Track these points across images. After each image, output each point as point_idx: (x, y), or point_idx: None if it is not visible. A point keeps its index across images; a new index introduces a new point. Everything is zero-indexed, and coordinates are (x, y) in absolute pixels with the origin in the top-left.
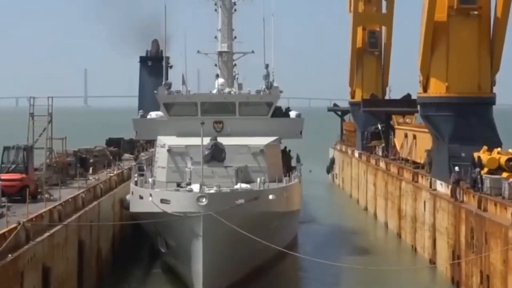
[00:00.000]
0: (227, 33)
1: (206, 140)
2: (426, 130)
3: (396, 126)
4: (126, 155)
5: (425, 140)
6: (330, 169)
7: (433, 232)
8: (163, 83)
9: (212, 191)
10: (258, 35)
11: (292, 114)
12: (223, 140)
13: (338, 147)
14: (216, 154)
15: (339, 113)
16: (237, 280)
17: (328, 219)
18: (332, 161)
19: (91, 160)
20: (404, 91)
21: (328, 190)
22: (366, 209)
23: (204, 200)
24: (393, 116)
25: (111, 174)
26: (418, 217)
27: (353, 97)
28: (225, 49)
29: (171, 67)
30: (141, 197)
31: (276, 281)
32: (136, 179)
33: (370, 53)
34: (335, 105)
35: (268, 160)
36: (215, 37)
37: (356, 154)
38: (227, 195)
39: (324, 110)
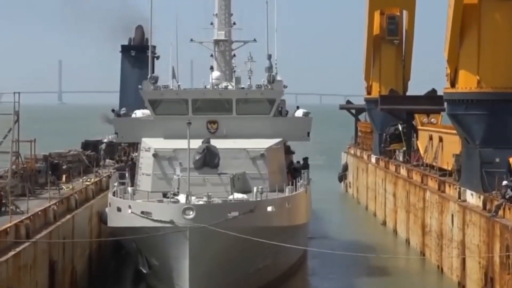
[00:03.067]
0: (225, 18)
1: (198, 143)
2: (454, 131)
3: (419, 127)
4: (106, 160)
5: (453, 143)
6: (342, 177)
7: (462, 250)
8: (148, 76)
9: (201, 202)
10: (260, 21)
11: (299, 112)
12: (218, 143)
13: (352, 151)
14: (208, 159)
15: (353, 111)
16: None
17: (340, 235)
18: (345, 168)
19: (64, 167)
20: (429, 86)
21: (340, 202)
22: (384, 223)
23: (191, 212)
24: (416, 115)
25: (88, 183)
26: (445, 233)
27: (369, 93)
28: (222, 37)
29: (157, 57)
30: (119, 209)
31: None
32: (114, 188)
33: (389, 41)
34: (348, 102)
35: (270, 166)
36: (211, 23)
37: (373, 160)
38: (218, 206)
39: (337, 108)
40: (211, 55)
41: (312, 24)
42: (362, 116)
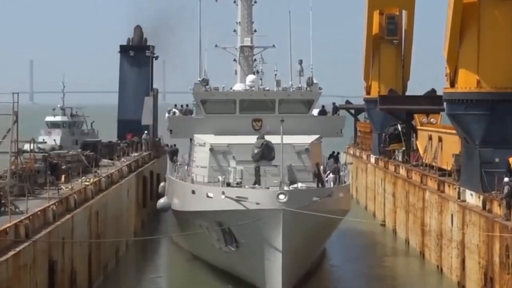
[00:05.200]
0: (247, 26)
1: (245, 139)
2: (454, 131)
3: (418, 127)
4: (104, 161)
5: (453, 143)
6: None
7: (461, 250)
8: (150, 77)
9: (289, 189)
10: (277, 28)
11: (315, 113)
12: (268, 139)
13: (351, 152)
14: (266, 153)
15: (352, 111)
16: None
17: (338, 236)
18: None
19: (63, 167)
20: (428, 86)
21: None
22: (384, 224)
23: (284, 197)
24: (415, 115)
25: (87, 183)
26: (444, 233)
27: (368, 93)
28: (249, 43)
29: (156, 57)
30: (209, 196)
31: None
32: (190, 176)
33: (389, 41)
34: (347, 102)
35: (312, 159)
36: (234, 31)
37: (372, 160)
38: (304, 192)
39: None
40: (234, 60)
41: (306, 23)
42: (361, 116)
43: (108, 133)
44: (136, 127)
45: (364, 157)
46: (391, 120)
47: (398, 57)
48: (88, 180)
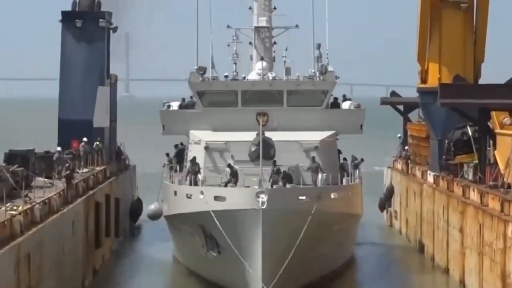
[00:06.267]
0: (264, 2)
1: (248, 135)
2: None
3: (497, 130)
4: (40, 180)
5: None
6: (385, 203)
7: None
8: (103, 52)
9: (271, 187)
10: (302, 6)
11: (346, 104)
12: (269, 135)
13: (399, 166)
14: (264, 151)
15: (401, 107)
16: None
17: None
18: (390, 191)
19: None
20: (510, 71)
21: (383, 239)
22: (446, 270)
23: (263, 196)
24: (493, 113)
25: (14, 212)
26: None
27: (424, 80)
28: (264, 24)
29: (114, 29)
30: (188, 196)
31: None
32: (171, 175)
33: (454, 5)
34: (393, 94)
35: (323, 159)
36: (250, 8)
37: (430, 178)
38: (288, 191)
39: (373, 102)
40: (250, 43)
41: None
42: (413, 115)
43: (45, 138)
44: (86, 130)
45: (418, 174)
46: (458, 120)
47: (467, 28)
48: (15, 208)
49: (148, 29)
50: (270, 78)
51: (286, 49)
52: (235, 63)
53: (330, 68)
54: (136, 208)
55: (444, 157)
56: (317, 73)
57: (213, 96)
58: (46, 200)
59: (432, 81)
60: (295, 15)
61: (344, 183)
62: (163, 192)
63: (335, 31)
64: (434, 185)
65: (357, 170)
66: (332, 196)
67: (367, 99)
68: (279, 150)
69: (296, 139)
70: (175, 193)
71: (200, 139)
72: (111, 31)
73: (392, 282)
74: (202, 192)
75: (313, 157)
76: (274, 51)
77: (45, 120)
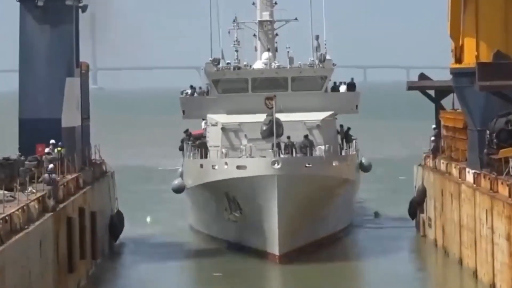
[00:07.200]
0: None
1: (257, 117)
2: None
3: None
4: None
5: None
6: (416, 208)
7: None
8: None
9: (284, 157)
10: (297, 1)
11: (343, 88)
12: (277, 117)
13: (431, 164)
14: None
15: (431, 93)
16: (307, 244)
17: None
18: (421, 193)
19: None
20: None
21: (415, 252)
22: (492, 287)
23: (278, 164)
24: None
25: None
26: None
27: (459, 59)
28: (267, 18)
29: (83, 8)
30: (214, 167)
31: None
32: (194, 153)
33: None
34: (422, 76)
35: (324, 136)
36: (253, 3)
37: (469, 177)
38: (298, 160)
39: (400, 87)
40: (254, 35)
41: None
42: (447, 102)
43: (3, 143)
44: (53, 131)
45: (455, 172)
46: (501, 106)
47: None
48: None
49: (119, 10)
50: (275, 67)
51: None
52: (237, 51)
53: (328, 57)
54: (117, 223)
55: (485, 151)
56: (317, 61)
57: (227, 84)
58: (7, 217)
59: (469, 60)
60: (295, 9)
61: (343, 153)
62: (186, 167)
63: (341, 15)
64: (475, 185)
65: (354, 142)
66: (334, 164)
67: (385, 84)
68: (286, 129)
69: (300, 119)
70: (201, 165)
71: (217, 121)
72: (79, 10)
73: None
74: (226, 163)
75: (306, 135)
76: (276, 42)
77: (2, 121)
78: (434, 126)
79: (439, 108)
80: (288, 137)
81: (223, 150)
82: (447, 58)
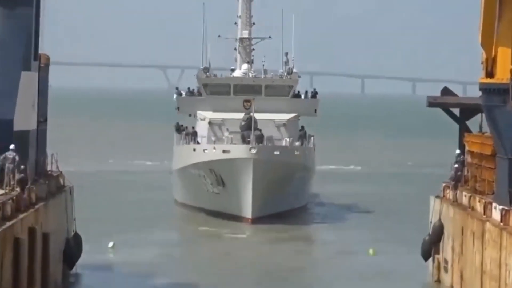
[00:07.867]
0: (246, 19)
1: (238, 115)
2: None
3: None
4: None
5: None
6: (431, 249)
7: None
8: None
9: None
10: (276, 20)
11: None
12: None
13: (452, 196)
14: (250, 125)
15: (456, 112)
16: (272, 214)
17: None
18: (437, 231)
19: None
20: None
21: None
22: None
23: (254, 150)
24: None
25: None
26: None
27: (490, 73)
28: (246, 35)
29: None
30: (205, 151)
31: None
32: (186, 139)
33: None
34: (445, 91)
35: (289, 131)
36: (235, 23)
37: (496, 214)
38: (269, 147)
39: (419, 103)
40: (235, 49)
41: None
42: (473, 123)
43: None
44: (3, 134)
45: (479, 207)
46: None
47: None
48: None
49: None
50: (252, 76)
51: (264, 56)
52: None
53: (294, 70)
54: (73, 248)
55: None
56: (285, 73)
57: (213, 87)
58: None
59: (502, 74)
60: (271, 28)
61: (303, 146)
62: (178, 151)
63: (301, 35)
64: (502, 224)
65: (312, 138)
66: (296, 152)
67: (385, 95)
68: (259, 125)
69: (270, 118)
70: (194, 149)
71: (205, 117)
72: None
73: None
74: (214, 148)
75: (260, 130)
76: (252, 56)
77: None
78: (458, 151)
79: (463, 130)
80: (260, 131)
81: (212, 138)
82: (460, 70)
